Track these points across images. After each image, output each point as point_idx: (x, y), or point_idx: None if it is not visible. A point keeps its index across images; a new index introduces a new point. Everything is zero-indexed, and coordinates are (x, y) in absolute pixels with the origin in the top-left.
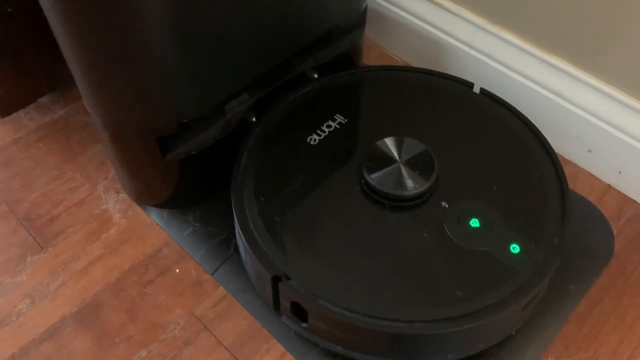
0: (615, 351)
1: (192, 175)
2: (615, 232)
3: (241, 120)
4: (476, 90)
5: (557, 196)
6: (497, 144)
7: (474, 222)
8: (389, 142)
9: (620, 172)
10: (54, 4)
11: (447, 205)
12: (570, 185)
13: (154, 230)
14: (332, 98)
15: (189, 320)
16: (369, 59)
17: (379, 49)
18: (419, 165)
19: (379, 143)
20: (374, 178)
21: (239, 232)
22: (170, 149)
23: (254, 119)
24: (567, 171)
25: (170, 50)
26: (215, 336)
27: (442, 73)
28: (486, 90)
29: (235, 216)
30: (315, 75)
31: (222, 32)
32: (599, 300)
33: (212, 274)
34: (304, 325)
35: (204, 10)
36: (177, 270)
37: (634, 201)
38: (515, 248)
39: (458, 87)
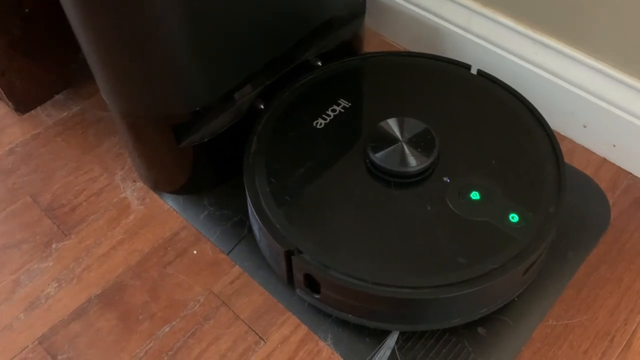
0: (613, 313)
1: (205, 162)
2: (611, 202)
3: (250, 108)
4: (473, 71)
5: (553, 168)
6: (495, 121)
7: (475, 195)
8: (392, 123)
9: (614, 146)
10: (74, 2)
11: (448, 180)
12: (567, 160)
13: (171, 215)
14: (335, 84)
15: (207, 297)
16: (370, 47)
17: (379, 37)
18: (421, 143)
19: (382, 124)
20: (378, 157)
21: (252, 211)
22: (185, 136)
23: (262, 106)
24: (564, 147)
25: (182, 41)
26: (233, 311)
27: (440, 56)
28: (483, 72)
29: (248, 197)
30: (319, 63)
31: (230, 23)
32: (597, 267)
33: (227, 254)
34: (317, 296)
35: (214, 3)
36: (195, 252)
37: (629, 172)
38: (514, 217)
39: (456, 69)
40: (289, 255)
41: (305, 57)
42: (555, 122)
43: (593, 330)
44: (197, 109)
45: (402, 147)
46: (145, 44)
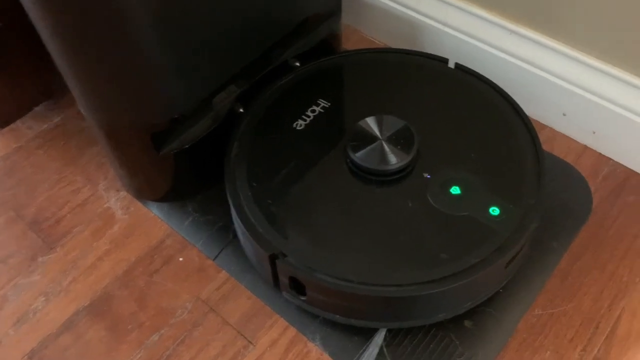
0: (597, 300)
1: (187, 168)
2: (592, 189)
3: (229, 112)
4: (451, 65)
5: (532, 159)
6: (474, 115)
7: (455, 190)
8: (370, 121)
9: (594, 133)
10: (43, 15)
11: (429, 176)
12: (548, 149)
13: (156, 223)
14: (314, 84)
15: (195, 303)
16: (350, 43)
17: (359, 34)
18: (400, 140)
19: (361, 123)
20: (358, 156)
21: (235, 217)
22: (164, 144)
23: (241, 110)
24: (544, 135)
25: (157, 49)
26: (221, 316)
27: (417, 51)
28: (461, 65)
29: (230, 202)
30: (297, 64)
31: (205, 28)
32: (580, 255)
33: (214, 260)
34: (303, 298)
35: (187, 9)
36: (181, 259)
37: (609, 159)
38: (494, 210)
39: (434, 63)
40: (273, 259)
41: (283, 59)
42: (535, 111)
43: (578, 318)
44: (176, 116)
45: (382, 145)
46: (117, 54)
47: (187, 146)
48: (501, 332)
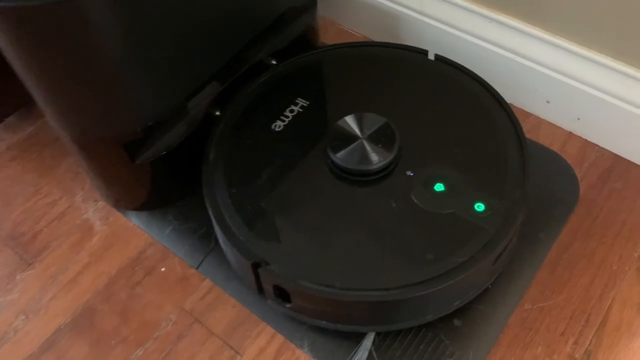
0: (588, 290)
1: (165, 176)
2: (579, 176)
3: (205, 116)
4: (431, 56)
5: (516, 151)
6: (455, 107)
7: (439, 187)
8: (350, 120)
9: (579, 119)
10: (6, 38)
11: (412, 174)
12: (533, 137)
13: (136, 233)
14: (291, 82)
15: (179, 315)
16: (328, 36)
17: (336, 26)
18: (381, 138)
19: (340, 122)
20: (339, 157)
21: (215, 225)
22: (139, 153)
23: (217, 113)
24: (529, 123)
25: (123, 59)
26: (206, 327)
27: (396, 44)
28: (440, 56)
29: (209, 211)
30: (273, 62)
31: (174, 30)
32: (569, 245)
33: (197, 268)
34: (288, 306)
35: (154, 12)
36: (163, 269)
37: (595, 145)
38: (480, 206)
39: (413, 55)
40: (255, 267)
41: (258, 57)
42: (519, 100)
43: (569, 310)
44: (149, 124)
45: (363, 144)
46: (83, 67)
47: (163, 153)
48: (491, 329)
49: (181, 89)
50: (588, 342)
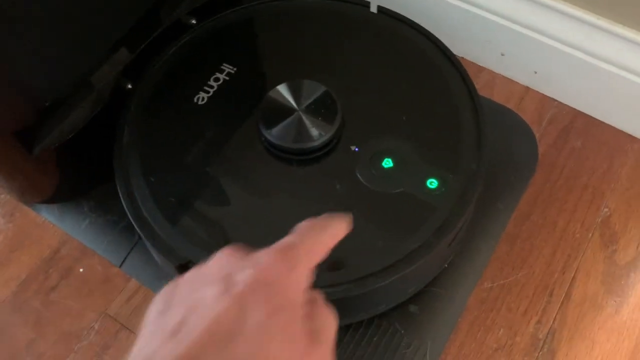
0: (550, 264)
1: (74, 163)
2: (537, 135)
3: (115, 90)
4: (373, 9)
5: (470, 114)
6: (402, 68)
7: (387, 162)
8: (284, 90)
9: (536, 73)
10: None
11: (357, 149)
12: (487, 94)
13: (48, 229)
14: (216, 46)
15: (103, 321)
16: None
17: None
18: (321, 109)
19: (272, 93)
20: (273, 133)
21: (132, 221)
22: (37, 141)
23: (129, 86)
24: (483, 78)
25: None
26: (134, 333)
27: None
28: (384, 8)
29: (124, 204)
30: (193, 21)
31: None
32: (528, 214)
33: (120, 267)
34: None
35: None
36: (81, 270)
37: (553, 100)
38: (432, 183)
39: (354, 8)
40: (182, 270)
41: (174, 17)
42: (471, 53)
43: (531, 286)
44: (45, 104)
45: (300, 117)
46: None
47: (68, 137)
48: (449, 313)
49: (82, 59)
50: (552, 321)
